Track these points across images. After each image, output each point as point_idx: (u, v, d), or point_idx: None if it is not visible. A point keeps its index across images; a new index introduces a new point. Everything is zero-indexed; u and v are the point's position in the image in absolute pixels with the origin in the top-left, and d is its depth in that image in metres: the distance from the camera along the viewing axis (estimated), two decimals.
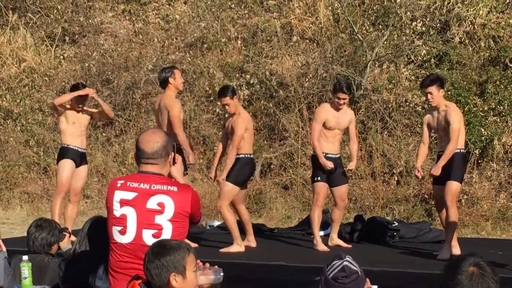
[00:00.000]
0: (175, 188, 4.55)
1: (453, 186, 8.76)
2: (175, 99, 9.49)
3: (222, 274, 4.11)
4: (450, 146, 8.62)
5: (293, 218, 13.45)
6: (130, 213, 4.51)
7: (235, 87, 14.99)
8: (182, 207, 4.53)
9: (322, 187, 9.37)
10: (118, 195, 4.55)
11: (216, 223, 11.79)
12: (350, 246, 9.60)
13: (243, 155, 9.17)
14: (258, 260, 8.54)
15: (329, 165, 9.22)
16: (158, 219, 4.49)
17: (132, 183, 4.57)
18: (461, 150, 8.92)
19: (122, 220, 4.53)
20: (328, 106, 9.46)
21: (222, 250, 9.15)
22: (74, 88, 10.13)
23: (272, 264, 8.30)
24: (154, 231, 4.48)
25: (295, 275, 7.81)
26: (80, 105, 10.10)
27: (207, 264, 4.12)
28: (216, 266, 4.14)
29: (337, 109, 9.35)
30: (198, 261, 4.07)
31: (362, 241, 10.30)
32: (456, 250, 8.90)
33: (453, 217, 8.75)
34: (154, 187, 4.54)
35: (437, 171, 8.63)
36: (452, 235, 8.84)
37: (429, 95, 8.77)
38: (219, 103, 15.16)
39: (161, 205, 4.50)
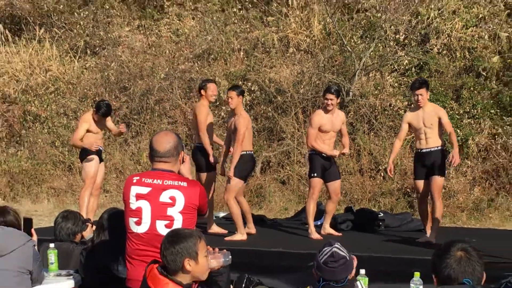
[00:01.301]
0: (185, 184, 4.54)
1: (439, 181, 8.86)
2: (203, 109, 9.54)
3: (230, 257, 4.12)
4: (453, 137, 8.87)
5: (290, 209, 13.46)
6: (145, 206, 4.50)
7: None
8: (191, 200, 4.52)
9: (318, 182, 9.37)
10: (134, 190, 4.54)
11: (221, 214, 11.80)
12: (340, 234, 9.60)
13: (245, 152, 9.16)
14: (259, 247, 8.56)
15: (335, 153, 9.37)
16: (170, 211, 4.48)
17: (146, 179, 4.56)
18: (442, 147, 8.99)
19: (138, 212, 4.52)
20: (322, 112, 9.42)
21: (226, 238, 9.17)
22: (98, 107, 10.12)
23: (272, 251, 8.32)
24: (166, 222, 4.48)
25: (292, 261, 7.83)
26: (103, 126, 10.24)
27: (217, 249, 4.13)
28: (225, 250, 4.13)
29: (327, 110, 9.34)
30: (209, 246, 4.08)
31: (352, 230, 10.32)
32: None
33: (440, 207, 8.88)
34: (166, 182, 4.52)
35: (457, 158, 8.67)
36: (438, 223, 8.94)
37: (419, 96, 8.80)
38: (224, 107, 15.28)
39: (172, 198, 4.49)
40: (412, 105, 9.29)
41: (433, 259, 3.45)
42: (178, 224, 4.47)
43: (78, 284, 5.58)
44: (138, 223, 4.52)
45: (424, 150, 8.87)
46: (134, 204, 4.53)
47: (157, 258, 4.17)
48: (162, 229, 4.46)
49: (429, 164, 8.86)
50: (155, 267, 3.89)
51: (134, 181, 4.59)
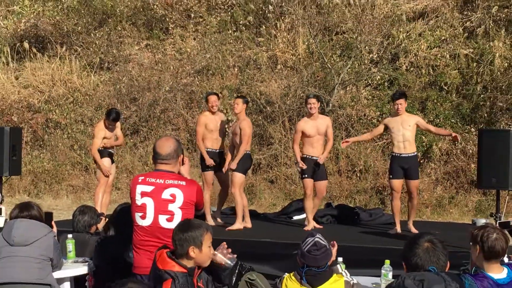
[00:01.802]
0: (184, 183, 4.53)
1: (417, 183, 9.15)
2: (201, 118, 9.63)
3: (234, 262, 4.08)
4: (439, 129, 9.10)
5: (277, 205, 13.44)
6: (149, 202, 4.49)
7: (232, 104, 15.05)
8: (189, 197, 4.51)
9: (309, 182, 9.26)
10: (140, 188, 4.52)
11: None
12: (321, 227, 9.57)
13: (245, 152, 9.19)
14: (251, 238, 8.54)
15: (300, 164, 9.19)
16: (171, 207, 4.47)
17: (150, 178, 4.55)
18: (416, 153, 9.10)
19: (143, 208, 4.50)
20: (305, 119, 9.37)
21: (227, 228, 9.11)
22: (108, 113, 10.09)
23: (262, 241, 8.30)
24: (167, 216, 4.47)
25: (279, 250, 7.82)
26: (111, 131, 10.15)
27: (229, 250, 4.12)
28: (235, 255, 4.13)
29: (311, 115, 9.25)
30: (224, 243, 4.09)
31: (331, 223, 10.31)
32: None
33: (417, 204, 9.30)
34: (167, 182, 4.51)
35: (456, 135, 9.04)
36: (414, 216, 9.21)
37: (399, 105, 8.86)
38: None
39: (173, 196, 4.48)
40: (390, 114, 9.31)
41: (404, 248, 3.46)
42: (178, 218, 4.45)
43: (93, 270, 5.57)
44: (143, 217, 4.51)
45: (403, 155, 8.86)
46: (139, 200, 4.52)
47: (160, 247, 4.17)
48: (164, 222, 4.46)
49: (406, 168, 8.86)
50: (164, 252, 3.92)
51: (140, 180, 4.57)
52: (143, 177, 4.59)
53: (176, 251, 3.88)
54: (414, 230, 8.81)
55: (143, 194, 4.51)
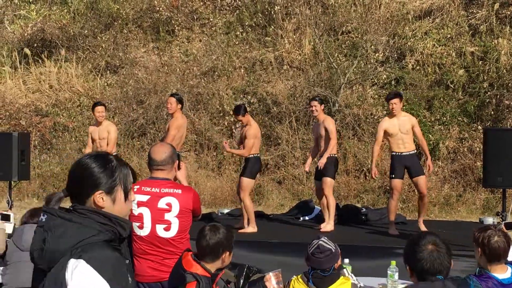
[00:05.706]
0: (179, 191, 4.55)
1: (425, 179, 8.90)
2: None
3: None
4: (425, 147, 9.04)
5: (285, 206, 13.46)
6: (146, 212, 4.52)
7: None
8: (185, 205, 4.53)
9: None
10: (136, 198, 4.50)
11: (226, 210, 11.77)
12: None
13: (253, 155, 9.17)
14: (258, 239, 8.57)
15: (305, 167, 9.53)
16: (167, 216, 4.50)
17: (145, 187, 4.57)
18: (416, 151, 9.05)
19: (140, 218, 4.54)
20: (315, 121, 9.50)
21: (240, 231, 9.04)
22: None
23: (269, 242, 8.34)
24: (164, 226, 4.50)
25: (287, 251, 7.85)
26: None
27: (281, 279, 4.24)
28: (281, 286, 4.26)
29: (314, 117, 9.31)
30: (279, 272, 4.24)
31: (338, 224, 10.32)
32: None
33: (427, 202, 9.13)
34: (163, 190, 4.53)
35: (432, 166, 9.05)
36: (424, 214, 9.10)
37: (394, 105, 8.74)
38: (227, 117, 15.32)
39: (169, 204, 4.50)
40: (387, 115, 9.17)
41: (406, 251, 3.32)
42: (175, 227, 4.50)
43: None
44: (141, 227, 4.55)
45: (404, 153, 8.79)
46: (136, 210, 4.54)
47: (158, 256, 4.38)
48: (161, 232, 4.51)
49: (408, 166, 8.79)
50: (190, 254, 3.93)
51: (135, 189, 4.50)
52: (138, 186, 4.56)
53: (206, 255, 3.89)
54: (424, 229, 8.76)
55: (140, 204, 4.52)
